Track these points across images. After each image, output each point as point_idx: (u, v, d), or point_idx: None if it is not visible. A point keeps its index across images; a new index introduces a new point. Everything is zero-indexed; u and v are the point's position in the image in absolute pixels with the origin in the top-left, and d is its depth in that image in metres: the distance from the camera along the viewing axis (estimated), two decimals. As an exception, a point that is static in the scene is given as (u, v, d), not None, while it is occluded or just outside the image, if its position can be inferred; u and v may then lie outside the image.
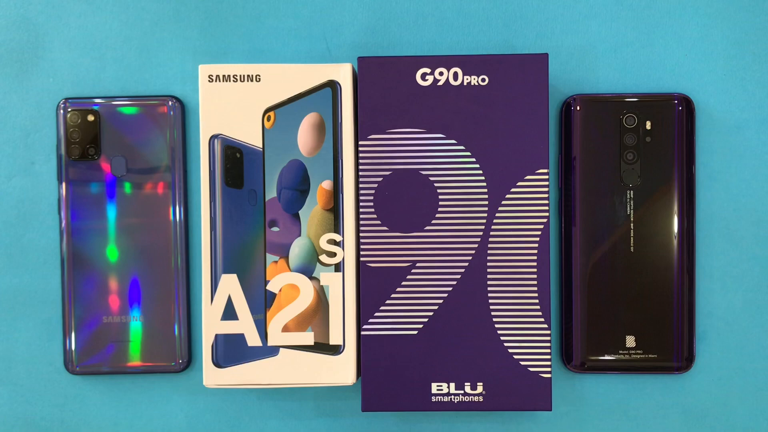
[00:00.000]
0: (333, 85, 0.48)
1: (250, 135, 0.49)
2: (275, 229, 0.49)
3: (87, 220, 0.53)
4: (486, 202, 0.49)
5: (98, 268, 0.53)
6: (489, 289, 0.49)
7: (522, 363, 0.49)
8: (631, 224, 0.52)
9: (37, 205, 0.54)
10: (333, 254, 0.49)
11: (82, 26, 0.54)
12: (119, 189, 0.53)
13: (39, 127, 0.54)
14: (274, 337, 0.49)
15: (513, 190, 0.49)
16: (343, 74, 0.48)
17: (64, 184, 0.53)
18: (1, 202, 0.54)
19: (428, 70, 0.48)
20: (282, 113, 0.49)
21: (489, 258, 0.49)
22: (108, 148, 0.53)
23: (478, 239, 0.49)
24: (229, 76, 0.49)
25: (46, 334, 0.54)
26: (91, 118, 0.53)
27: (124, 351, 0.53)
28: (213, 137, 0.49)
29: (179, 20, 0.54)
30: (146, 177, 0.53)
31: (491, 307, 0.49)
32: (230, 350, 0.49)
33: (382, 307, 0.49)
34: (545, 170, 0.48)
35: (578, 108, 0.52)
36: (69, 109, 0.53)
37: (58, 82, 0.54)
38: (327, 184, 0.49)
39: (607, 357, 0.52)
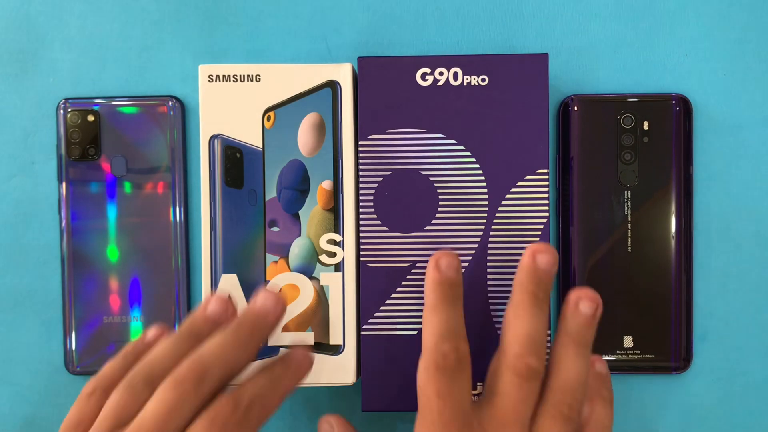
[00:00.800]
0: (333, 85, 0.48)
1: (250, 135, 0.49)
2: (275, 229, 0.49)
3: (87, 220, 0.53)
4: (486, 202, 0.49)
5: (98, 268, 0.53)
6: (489, 289, 0.49)
7: None
8: (629, 224, 0.52)
9: (37, 205, 0.54)
10: (333, 254, 0.49)
11: (82, 26, 0.54)
12: (119, 189, 0.53)
13: (39, 127, 0.54)
14: (274, 337, 0.49)
15: (513, 190, 0.48)
16: (343, 74, 0.49)
17: (64, 184, 0.53)
18: (1, 202, 0.54)
19: (428, 70, 0.48)
20: (282, 113, 0.49)
21: (489, 258, 0.49)
22: (108, 148, 0.53)
23: (478, 239, 0.49)
24: (229, 76, 0.49)
25: (46, 334, 0.55)
26: (91, 118, 0.53)
27: (124, 351, 0.53)
28: (213, 137, 0.49)
29: (179, 20, 0.54)
30: (146, 177, 0.53)
31: (491, 307, 0.49)
32: (230, 350, 0.49)
33: (382, 307, 0.49)
34: (545, 170, 0.48)
35: (576, 108, 0.52)
36: (69, 109, 0.53)
37: (58, 82, 0.54)
38: (327, 184, 0.49)
39: (604, 357, 0.52)
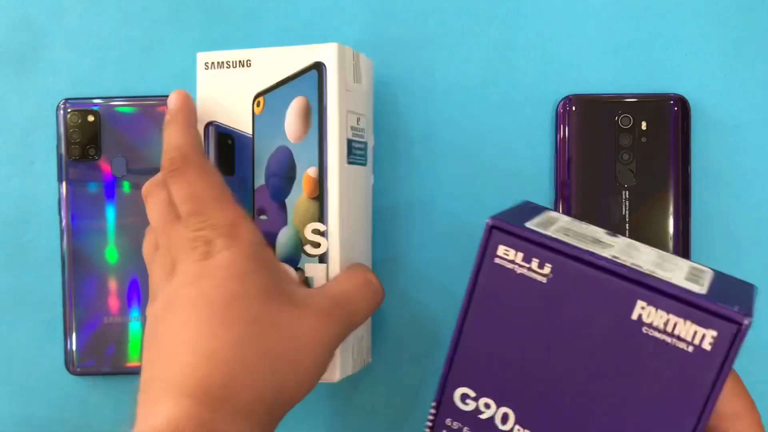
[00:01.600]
0: (319, 67, 0.46)
1: (242, 121, 0.48)
2: (263, 217, 0.48)
3: (87, 220, 0.53)
4: None
5: (98, 268, 0.53)
6: None
7: None
8: (627, 225, 0.51)
9: (37, 205, 0.55)
10: (317, 245, 0.46)
11: (82, 26, 0.55)
12: (119, 189, 0.53)
13: (39, 127, 0.55)
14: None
15: None
16: (328, 55, 0.46)
17: (64, 184, 0.53)
18: (1, 202, 0.55)
19: None
20: (271, 98, 0.47)
21: None
22: (108, 148, 0.53)
23: None
24: (222, 62, 0.48)
25: (46, 335, 0.55)
26: (91, 118, 0.53)
27: (124, 351, 0.53)
28: (208, 125, 0.48)
29: (179, 20, 0.54)
30: (146, 177, 0.52)
31: None
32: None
33: None
34: None
35: (574, 108, 0.52)
36: (69, 109, 0.53)
37: (58, 82, 0.55)
38: (312, 171, 0.46)
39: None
